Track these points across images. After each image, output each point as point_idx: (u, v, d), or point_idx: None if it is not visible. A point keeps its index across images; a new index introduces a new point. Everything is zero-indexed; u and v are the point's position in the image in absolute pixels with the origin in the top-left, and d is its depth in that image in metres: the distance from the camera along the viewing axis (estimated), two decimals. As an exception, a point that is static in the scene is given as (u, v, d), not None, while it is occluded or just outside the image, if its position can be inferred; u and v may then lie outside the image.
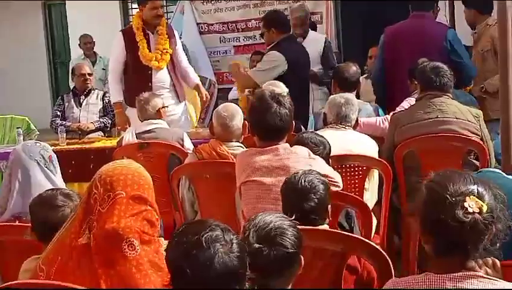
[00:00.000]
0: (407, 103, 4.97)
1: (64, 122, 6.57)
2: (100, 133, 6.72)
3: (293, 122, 3.50)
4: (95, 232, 2.21)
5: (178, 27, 6.97)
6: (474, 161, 4.29)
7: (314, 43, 6.47)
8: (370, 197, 4.14)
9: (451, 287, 1.90)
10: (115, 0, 10.56)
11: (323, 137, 3.79)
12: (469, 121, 4.33)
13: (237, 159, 3.56)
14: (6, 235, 3.01)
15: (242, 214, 3.39)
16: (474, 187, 1.94)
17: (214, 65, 8.12)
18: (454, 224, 1.89)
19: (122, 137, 5.19)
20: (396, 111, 4.87)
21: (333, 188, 3.19)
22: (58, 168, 3.44)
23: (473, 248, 1.93)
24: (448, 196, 1.92)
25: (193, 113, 6.71)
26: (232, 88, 7.53)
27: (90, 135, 6.56)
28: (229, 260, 1.89)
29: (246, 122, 4.01)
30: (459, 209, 1.90)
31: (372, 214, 3.65)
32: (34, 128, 6.79)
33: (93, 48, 9.24)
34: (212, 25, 8.25)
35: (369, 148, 4.25)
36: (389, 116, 4.88)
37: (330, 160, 3.73)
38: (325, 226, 2.89)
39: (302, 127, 5.12)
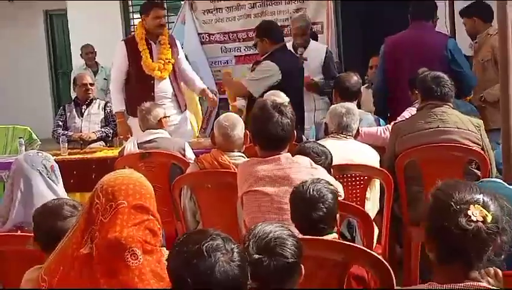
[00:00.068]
0: (408, 112, 4.98)
1: (66, 132, 6.58)
2: (102, 143, 6.72)
3: (295, 132, 3.51)
4: (97, 242, 2.21)
5: (179, 37, 6.98)
6: (475, 170, 4.29)
7: (316, 53, 6.48)
8: (371, 207, 4.14)
9: None
10: (115, 0, 10.56)
11: (325, 147, 3.79)
12: (470, 131, 4.33)
13: (239, 168, 3.56)
14: (8, 245, 3.02)
15: (244, 223, 3.39)
16: (479, 196, 1.95)
17: (215, 75, 8.13)
18: (457, 231, 1.90)
19: (124, 147, 5.20)
20: (397, 121, 4.87)
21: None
22: (60, 178, 3.45)
23: (476, 257, 1.94)
24: (452, 204, 1.94)
25: (195, 123, 6.72)
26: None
27: (92, 145, 6.56)
28: (230, 268, 1.89)
29: (248, 132, 4.02)
30: (462, 217, 1.91)
31: (373, 223, 3.65)
32: (36, 138, 6.79)
33: (94, 58, 9.26)
34: (213, 35, 8.26)
35: (371, 158, 4.25)
36: (390, 126, 4.88)
37: (332, 170, 3.73)
38: (334, 235, 2.89)
39: (303, 136, 5.13)
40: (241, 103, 6.09)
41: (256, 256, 2.18)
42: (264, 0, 7.93)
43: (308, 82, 6.34)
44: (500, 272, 2.08)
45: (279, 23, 7.66)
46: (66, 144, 6.13)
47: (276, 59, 5.62)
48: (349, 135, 4.32)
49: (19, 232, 3.19)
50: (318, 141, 4.11)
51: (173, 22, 8.59)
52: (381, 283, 2.51)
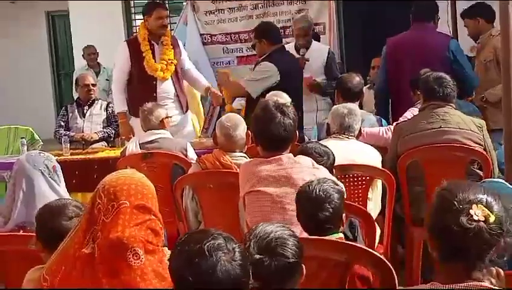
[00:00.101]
0: (410, 113, 4.98)
1: (68, 133, 6.59)
2: (104, 143, 6.72)
3: (297, 132, 3.51)
4: (99, 242, 2.21)
5: (181, 38, 6.98)
6: (477, 170, 4.29)
7: (318, 53, 6.48)
8: (373, 207, 4.14)
9: None
10: (117, 0, 10.57)
11: (327, 147, 3.79)
12: (472, 131, 4.33)
13: (241, 169, 3.56)
14: (10, 245, 3.02)
15: (246, 224, 3.39)
16: (483, 197, 1.96)
17: (217, 76, 8.13)
18: (457, 230, 1.91)
19: (126, 147, 5.20)
20: (399, 121, 4.88)
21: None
22: (62, 178, 3.44)
23: (478, 257, 1.94)
24: (455, 203, 1.95)
25: (196, 123, 6.72)
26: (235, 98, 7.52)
27: (94, 145, 6.57)
28: (232, 268, 1.89)
29: (250, 132, 4.02)
30: (464, 215, 1.92)
31: (375, 223, 3.65)
32: (38, 138, 6.80)
33: (96, 59, 9.27)
34: (215, 35, 8.27)
35: (373, 158, 4.25)
36: (392, 126, 4.88)
37: (334, 170, 3.73)
38: (340, 235, 2.89)
39: (305, 137, 5.13)
40: (240, 102, 6.10)
41: (257, 256, 2.18)
42: (266, 1, 7.93)
43: (311, 83, 6.35)
44: (502, 271, 2.08)
45: (281, 24, 7.72)
46: (68, 144, 6.13)
47: (275, 60, 5.63)
48: (351, 136, 4.31)
49: (20, 232, 3.19)
50: (320, 142, 4.11)
51: (175, 23, 8.59)
52: (383, 283, 2.51)
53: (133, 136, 5.88)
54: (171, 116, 5.52)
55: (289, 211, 3.25)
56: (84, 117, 6.77)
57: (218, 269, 1.87)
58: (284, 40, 7.44)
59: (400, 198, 4.35)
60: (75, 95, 7.37)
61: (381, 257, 2.58)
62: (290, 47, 6.62)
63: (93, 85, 6.94)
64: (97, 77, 8.59)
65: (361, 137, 4.46)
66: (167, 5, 8.77)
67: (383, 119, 5.34)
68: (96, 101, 6.87)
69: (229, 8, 8.13)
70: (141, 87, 6.05)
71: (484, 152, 4.28)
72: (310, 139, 5.06)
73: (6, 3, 13.26)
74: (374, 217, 3.86)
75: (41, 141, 6.76)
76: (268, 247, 2.22)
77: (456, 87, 4.46)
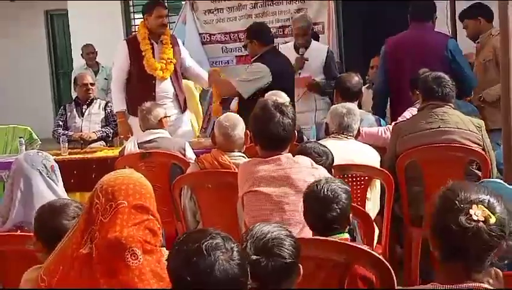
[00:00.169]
0: (409, 113, 4.98)
1: (66, 132, 6.58)
2: (102, 142, 6.72)
3: (296, 132, 3.51)
4: (97, 242, 2.21)
5: (180, 37, 6.96)
6: (476, 171, 4.29)
7: (317, 53, 6.48)
8: (372, 207, 4.14)
9: None
10: (116, 0, 10.57)
11: (326, 147, 3.79)
12: (471, 131, 4.33)
13: (240, 168, 3.56)
14: (8, 244, 3.02)
15: (244, 224, 3.38)
16: (485, 197, 1.96)
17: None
18: (456, 229, 1.92)
19: (124, 147, 5.20)
20: (398, 121, 4.88)
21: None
22: (60, 177, 3.44)
23: (477, 258, 1.94)
24: (457, 202, 1.95)
25: (195, 123, 6.72)
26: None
27: (92, 145, 6.56)
28: (230, 267, 1.89)
29: (248, 131, 4.02)
30: (463, 215, 1.92)
31: (374, 224, 3.65)
32: (36, 138, 6.79)
33: (95, 58, 9.26)
34: (214, 35, 8.26)
35: (371, 158, 4.25)
36: (390, 126, 4.88)
37: (333, 170, 3.73)
38: (345, 235, 2.89)
39: (304, 137, 5.13)
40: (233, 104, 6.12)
41: (254, 257, 2.18)
42: (265, 1, 7.92)
43: (310, 82, 6.35)
44: (500, 272, 2.07)
45: (280, 23, 7.73)
46: (67, 143, 6.12)
47: (267, 61, 5.65)
48: (350, 135, 4.31)
49: (18, 232, 3.19)
50: (319, 141, 4.11)
51: (174, 22, 8.59)
52: (382, 283, 2.51)
53: (132, 135, 5.88)
54: (169, 116, 5.51)
55: (288, 211, 3.25)
56: (82, 116, 6.76)
57: (216, 269, 1.87)
58: (283, 40, 7.50)
59: (398, 198, 4.35)
60: (74, 95, 7.36)
61: (380, 257, 2.58)
62: (289, 46, 6.63)
63: (92, 84, 6.93)
64: (96, 76, 8.59)
65: (360, 137, 4.46)
66: (166, 4, 8.76)
67: (381, 119, 5.34)
68: (94, 101, 6.86)
69: (228, 8, 8.12)
70: (140, 87, 6.06)
71: (483, 152, 4.28)
72: (308, 139, 5.05)
73: (5, 3, 13.25)
74: (373, 217, 3.86)
75: (39, 140, 6.75)
76: (265, 247, 2.21)
77: (454, 87, 4.46)
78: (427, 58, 5.41)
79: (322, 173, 3.37)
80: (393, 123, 4.92)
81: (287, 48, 6.61)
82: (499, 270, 2.07)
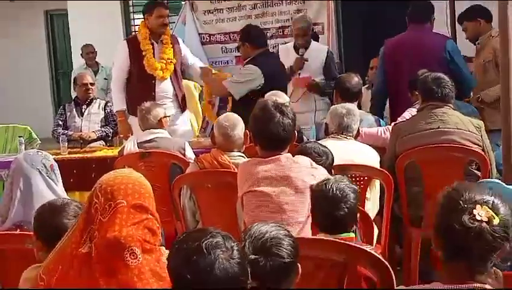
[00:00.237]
0: (409, 113, 4.99)
1: (66, 132, 6.57)
2: (102, 142, 6.72)
3: (296, 132, 3.51)
4: (96, 241, 2.21)
5: (180, 37, 6.97)
6: (475, 171, 4.29)
7: (317, 53, 6.48)
8: (371, 207, 4.14)
9: None
10: (116, 0, 10.57)
11: (326, 147, 3.79)
12: (470, 132, 4.33)
13: (239, 168, 3.56)
14: (7, 243, 3.01)
15: (244, 223, 3.38)
16: (489, 198, 1.97)
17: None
18: (459, 228, 1.93)
19: (124, 146, 5.20)
20: (397, 121, 4.88)
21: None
22: (60, 177, 3.44)
23: (480, 258, 1.95)
24: (461, 202, 1.96)
25: (195, 123, 6.72)
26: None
27: (92, 144, 6.56)
28: (230, 266, 1.89)
29: (248, 131, 4.02)
30: (466, 214, 1.93)
31: (373, 224, 3.65)
32: (36, 137, 6.80)
33: (95, 58, 9.26)
34: (213, 35, 8.26)
35: (371, 158, 4.25)
36: (390, 127, 4.88)
37: (333, 170, 3.73)
38: (351, 235, 2.90)
39: (304, 137, 5.13)
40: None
41: (253, 256, 2.18)
42: (264, 1, 7.92)
43: (309, 82, 6.35)
44: (500, 272, 2.08)
45: (280, 24, 7.73)
46: (66, 143, 6.13)
47: (259, 63, 5.69)
48: (350, 136, 4.31)
49: (18, 231, 3.19)
50: (318, 142, 4.11)
51: (174, 22, 8.59)
52: (381, 283, 2.51)
53: (132, 134, 5.88)
54: (169, 116, 5.52)
55: (287, 211, 3.25)
56: (82, 116, 6.76)
57: (216, 267, 1.87)
58: (282, 40, 7.51)
59: (398, 198, 4.35)
60: (74, 94, 7.36)
61: (380, 257, 2.58)
62: (288, 47, 6.63)
63: (92, 84, 6.93)
64: (95, 76, 8.59)
65: (359, 137, 4.46)
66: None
67: (381, 120, 5.34)
68: (94, 100, 6.86)
69: (228, 8, 8.12)
70: (140, 86, 6.06)
71: (482, 153, 4.28)
72: (308, 139, 5.06)
73: (5, 3, 13.24)
74: (372, 217, 3.86)
75: (39, 140, 6.76)
76: (264, 247, 2.21)
77: (454, 88, 4.47)
78: (425, 59, 5.42)
79: (321, 173, 3.38)
80: (392, 123, 4.92)
81: (286, 49, 6.62)
82: (498, 270, 2.08)
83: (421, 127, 4.39)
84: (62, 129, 6.65)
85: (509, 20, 3.54)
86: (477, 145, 4.32)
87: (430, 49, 5.56)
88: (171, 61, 6.11)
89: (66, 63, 13.44)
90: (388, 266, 2.49)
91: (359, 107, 5.22)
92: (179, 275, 1.90)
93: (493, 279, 2.06)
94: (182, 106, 6.27)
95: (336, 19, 7.63)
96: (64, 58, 13.77)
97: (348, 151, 4.16)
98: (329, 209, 2.88)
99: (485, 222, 1.92)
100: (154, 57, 6.06)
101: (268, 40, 7.51)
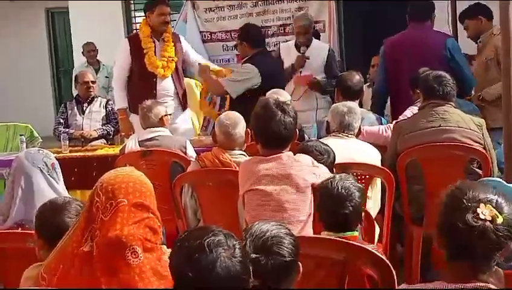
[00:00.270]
0: (410, 111, 4.98)
1: (67, 130, 6.57)
2: (103, 140, 6.72)
3: (297, 130, 3.50)
4: (97, 240, 2.21)
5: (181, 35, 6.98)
6: (477, 169, 4.29)
7: (318, 51, 6.47)
8: (373, 206, 4.13)
9: None
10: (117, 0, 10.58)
11: (327, 145, 3.79)
12: (472, 130, 4.33)
13: (241, 167, 3.56)
14: (9, 242, 3.01)
15: (245, 222, 3.38)
16: (493, 197, 1.97)
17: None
18: (463, 227, 1.93)
19: (125, 145, 5.20)
20: (399, 120, 4.87)
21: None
22: (61, 175, 3.43)
23: (483, 257, 1.95)
24: (464, 201, 1.96)
25: (196, 121, 6.72)
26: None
27: (93, 143, 6.56)
28: (232, 264, 1.88)
29: (249, 130, 4.02)
30: (470, 213, 1.93)
31: (375, 222, 3.65)
32: (37, 135, 6.80)
33: (96, 56, 9.26)
34: (215, 33, 8.25)
35: (372, 156, 4.24)
36: (391, 125, 4.88)
37: (334, 169, 3.73)
38: (355, 234, 2.90)
39: (305, 135, 5.13)
40: None
41: (254, 255, 2.18)
42: (266, -1, 7.93)
43: (311, 81, 6.34)
44: (501, 271, 2.07)
45: (281, 22, 7.73)
46: (67, 141, 6.13)
47: (256, 62, 5.73)
48: (351, 134, 4.31)
49: (19, 230, 3.19)
50: (320, 140, 4.11)
51: (175, 20, 8.58)
52: (382, 282, 2.51)
53: (133, 132, 5.88)
54: (170, 114, 5.52)
55: (288, 209, 3.26)
56: (83, 114, 6.76)
57: (218, 265, 1.87)
58: (283, 38, 7.50)
59: (399, 197, 4.35)
60: (75, 92, 7.37)
61: (380, 255, 2.58)
62: (290, 45, 6.63)
63: (93, 82, 6.93)
64: (97, 74, 8.58)
65: (360, 135, 4.46)
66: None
67: (382, 118, 5.34)
68: (95, 99, 6.86)
69: (229, 6, 8.12)
70: (141, 84, 6.06)
71: (484, 151, 4.27)
72: (309, 138, 5.05)
73: (5, 3, 13.24)
74: (373, 216, 3.86)
75: (40, 138, 6.76)
76: (264, 246, 2.21)
77: (455, 86, 4.46)
78: (425, 57, 5.42)
79: (322, 171, 3.38)
80: (394, 122, 4.91)
81: (288, 47, 6.62)
82: (499, 269, 2.08)
83: (422, 126, 4.38)
84: (63, 127, 6.65)
85: (511, 20, 3.54)
86: (479, 143, 4.32)
87: (430, 47, 5.55)
88: (172, 59, 6.11)
89: (67, 61, 13.44)
90: (389, 264, 2.49)
91: (360, 105, 5.22)
92: (181, 273, 1.90)
93: (494, 278, 2.06)
94: (183, 104, 6.27)
95: (337, 17, 7.62)
96: (66, 56, 13.77)
97: (349, 149, 4.16)
98: (334, 208, 2.90)
99: (489, 220, 1.92)
100: (155, 55, 6.06)
101: (269, 38, 7.55)
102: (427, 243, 4.23)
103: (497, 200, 1.97)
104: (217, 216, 3.96)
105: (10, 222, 3.28)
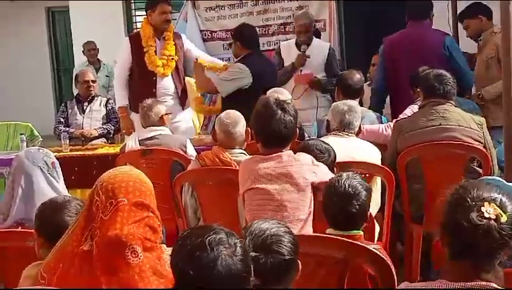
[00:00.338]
0: (410, 110, 4.98)
1: (67, 129, 6.58)
2: (103, 139, 6.72)
3: (297, 129, 3.50)
4: (97, 239, 2.20)
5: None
6: (477, 168, 4.29)
7: (318, 50, 6.47)
8: (373, 204, 4.13)
9: None
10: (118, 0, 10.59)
11: (328, 144, 3.79)
12: (472, 129, 4.32)
13: (241, 166, 3.56)
14: (9, 241, 3.01)
15: (245, 221, 3.38)
16: (497, 196, 1.98)
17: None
18: (467, 226, 1.93)
19: (125, 144, 5.21)
20: (399, 118, 4.87)
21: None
22: (61, 174, 3.43)
23: (486, 256, 1.95)
24: (468, 199, 1.96)
25: (196, 120, 6.72)
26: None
27: (93, 142, 6.56)
28: (233, 262, 1.88)
29: (249, 129, 4.02)
30: (474, 212, 1.93)
31: (374, 221, 3.65)
32: (38, 134, 6.80)
33: (97, 55, 9.25)
34: (215, 32, 8.25)
35: (372, 155, 4.24)
36: (392, 124, 4.88)
37: (335, 168, 3.72)
38: (360, 233, 2.91)
39: (306, 134, 5.13)
40: None
41: (253, 254, 2.18)
42: (266, -2, 7.93)
43: (311, 79, 6.34)
44: (500, 269, 2.07)
45: (281, 21, 7.72)
46: (68, 140, 6.13)
47: (248, 63, 5.75)
48: (351, 133, 4.31)
49: (19, 229, 3.19)
50: (320, 138, 4.11)
51: (175, 19, 8.58)
52: (382, 281, 2.51)
53: (134, 130, 5.89)
54: (170, 113, 5.52)
55: (289, 208, 3.26)
56: (83, 113, 6.77)
57: (219, 263, 1.86)
58: (284, 37, 7.50)
59: (399, 195, 4.35)
60: (75, 91, 7.37)
61: (380, 254, 2.57)
62: (290, 43, 6.62)
63: (93, 81, 6.93)
64: (97, 73, 8.58)
65: (361, 134, 4.46)
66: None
67: (383, 117, 5.34)
68: (96, 98, 6.86)
69: (230, 5, 8.11)
70: (141, 83, 6.07)
71: (484, 150, 4.27)
72: (309, 136, 5.05)
73: (5, 3, 13.25)
74: (374, 214, 3.86)
75: (40, 137, 6.76)
76: (264, 244, 2.21)
77: (456, 85, 4.46)
78: (424, 55, 5.42)
79: (323, 170, 3.38)
80: (394, 120, 4.91)
81: (288, 45, 6.62)
82: (498, 267, 2.07)
83: (422, 124, 4.38)
84: (64, 126, 6.65)
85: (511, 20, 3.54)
86: (479, 142, 4.32)
87: (429, 46, 5.56)
88: (172, 58, 6.11)
89: (68, 60, 13.45)
90: (389, 263, 2.49)
91: (361, 104, 5.22)
92: (182, 271, 1.90)
93: (494, 276, 2.06)
94: (184, 102, 6.27)
95: (337, 16, 7.62)
96: (66, 55, 13.78)
97: (349, 148, 4.16)
98: (340, 205, 2.90)
99: (493, 219, 1.92)
100: (155, 53, 6.06)
101: (270, 37, 7.55)
102: (427, 241, 4.23)
103: (501, 199, 1.97)
104: (217, 215, 3.96)
105: (10, 221, 3.28)
